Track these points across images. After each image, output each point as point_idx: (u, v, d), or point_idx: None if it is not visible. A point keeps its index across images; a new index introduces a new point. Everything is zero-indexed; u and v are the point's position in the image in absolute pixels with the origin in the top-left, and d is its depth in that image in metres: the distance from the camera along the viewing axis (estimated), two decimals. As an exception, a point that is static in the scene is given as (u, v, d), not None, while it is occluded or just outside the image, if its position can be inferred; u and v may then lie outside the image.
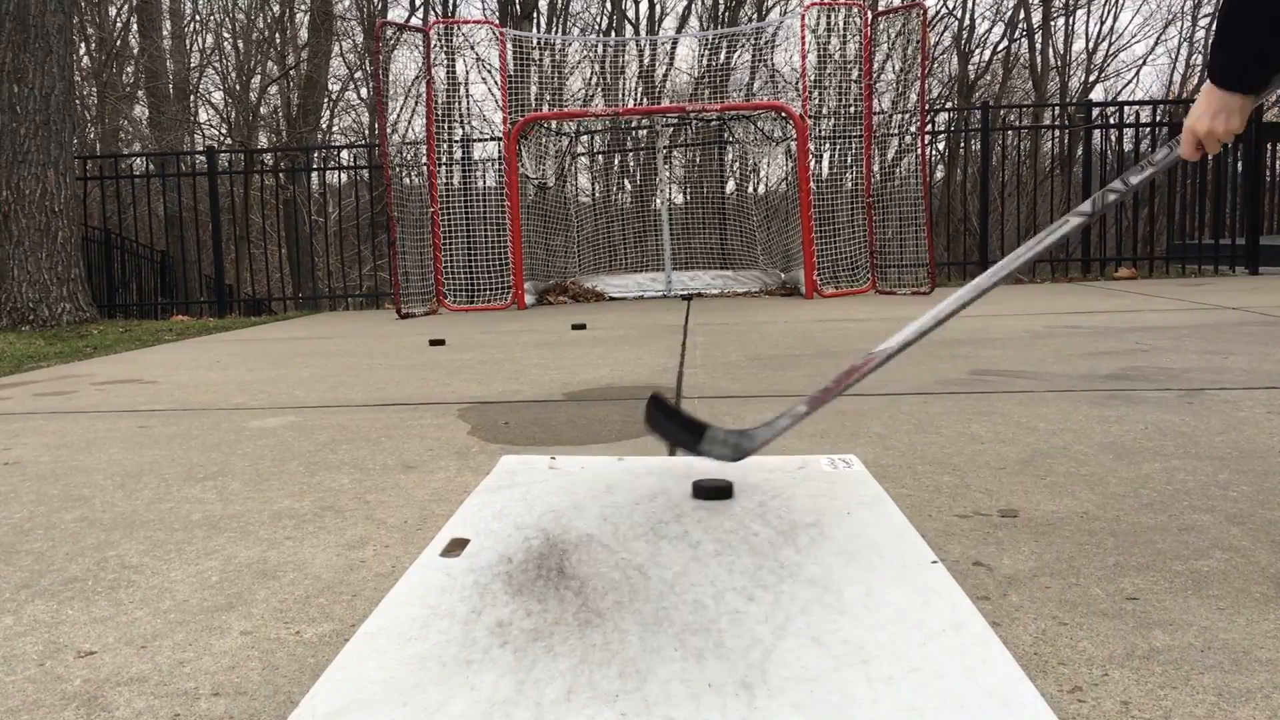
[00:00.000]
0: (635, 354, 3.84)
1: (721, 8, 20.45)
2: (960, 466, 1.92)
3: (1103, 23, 32.59)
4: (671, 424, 1.73)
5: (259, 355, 4.43)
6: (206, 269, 11.78)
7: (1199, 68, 23.80)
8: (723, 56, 8.19)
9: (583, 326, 5.01)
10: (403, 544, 1.57)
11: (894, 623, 1.13)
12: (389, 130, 9.07)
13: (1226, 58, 1.42)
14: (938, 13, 21.74)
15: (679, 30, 21.16)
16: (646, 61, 14.69)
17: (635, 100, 12.52)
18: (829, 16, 7.41)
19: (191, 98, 18.28)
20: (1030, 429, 2.22)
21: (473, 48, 7.39)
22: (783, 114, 6.97)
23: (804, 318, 5.16)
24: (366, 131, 18.68)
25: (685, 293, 7.34)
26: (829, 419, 2.41)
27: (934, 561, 1.32)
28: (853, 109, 6.94)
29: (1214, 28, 1.54)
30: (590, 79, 15.52)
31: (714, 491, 1.63)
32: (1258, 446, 1.99)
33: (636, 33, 20.73)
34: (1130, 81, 34.70)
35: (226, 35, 18.87)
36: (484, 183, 7.16)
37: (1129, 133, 8.42)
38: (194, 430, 2.59)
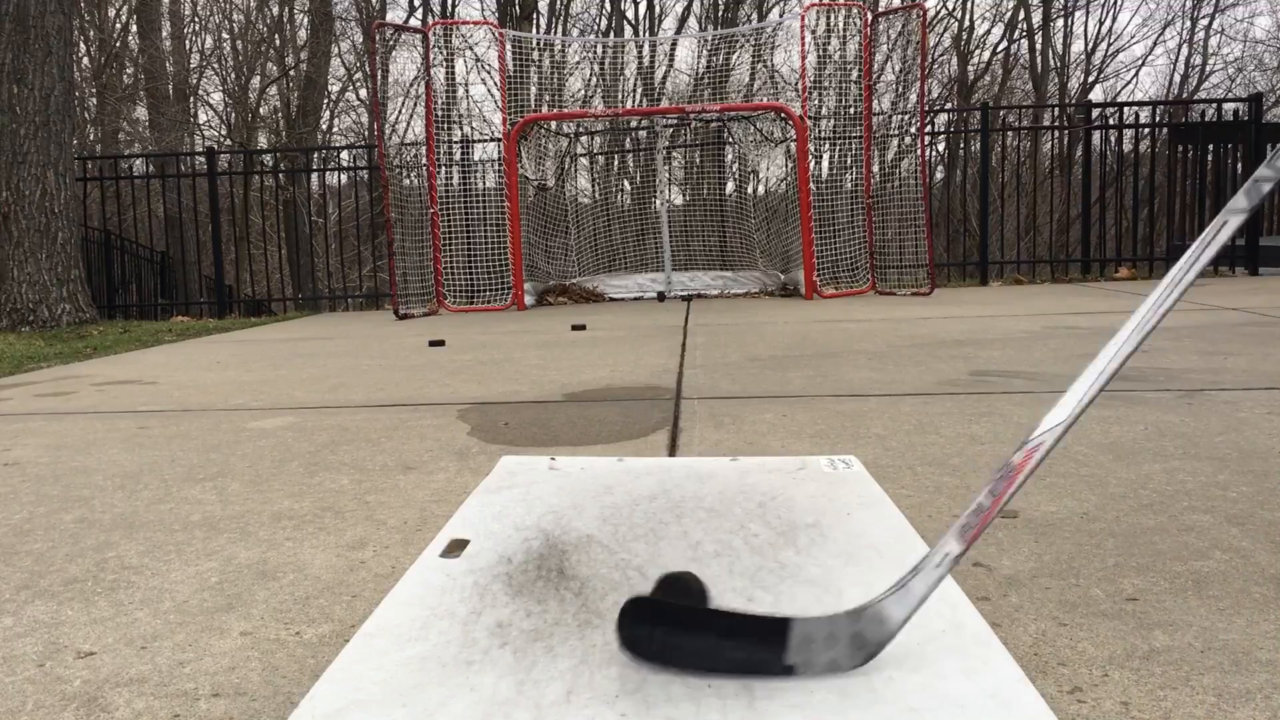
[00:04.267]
0: (635, 355, 3.84)
1: (721, 8, 20.46)
2: (960, 467, 1.92)
3: (1101, 24, 32.57)
4: (705, 636, 0.99)
5: (259, 356, 4.43)
6: (206, 270, 11.79)
7: (1198, 68, 23.81)
8: (722, 57, 8.20)
9: (582, 327, 5.01)
10: (402, 545, 1.57)
11: (894, 623, 1.12)
12: (388, 131, 9.05)
13: None
14: (937, 13, 21.76)
15: (678, 31, 21.17)
16: (646, 62, 14.69)
17: (635, 101, 12.53)
18: (829, 17, 7.41)
19: (191, 99, 18.28)
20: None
21: (472, 49, 7.38)
22: (782, 115, 6.97)
23: (804, 318, 5.16)
24: (366, 132, 18.69)
25: (685, 293, 7.33)
26: (829, 419, 2.41)
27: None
28: (852, 110, 6.94)
29: None
30: (590, 80, 15.53)
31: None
32: (1258, 447, 1.99)
33: (636, 33, 20.73)
34: (1129, 82, 34.70)
35: (226, 36, 18.88)
36: (484, 183, 7.17)
37: (1128, 133, 8.42)
38: (194, 431, 2.59)
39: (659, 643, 0.99)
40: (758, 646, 1.01)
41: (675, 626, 1.00)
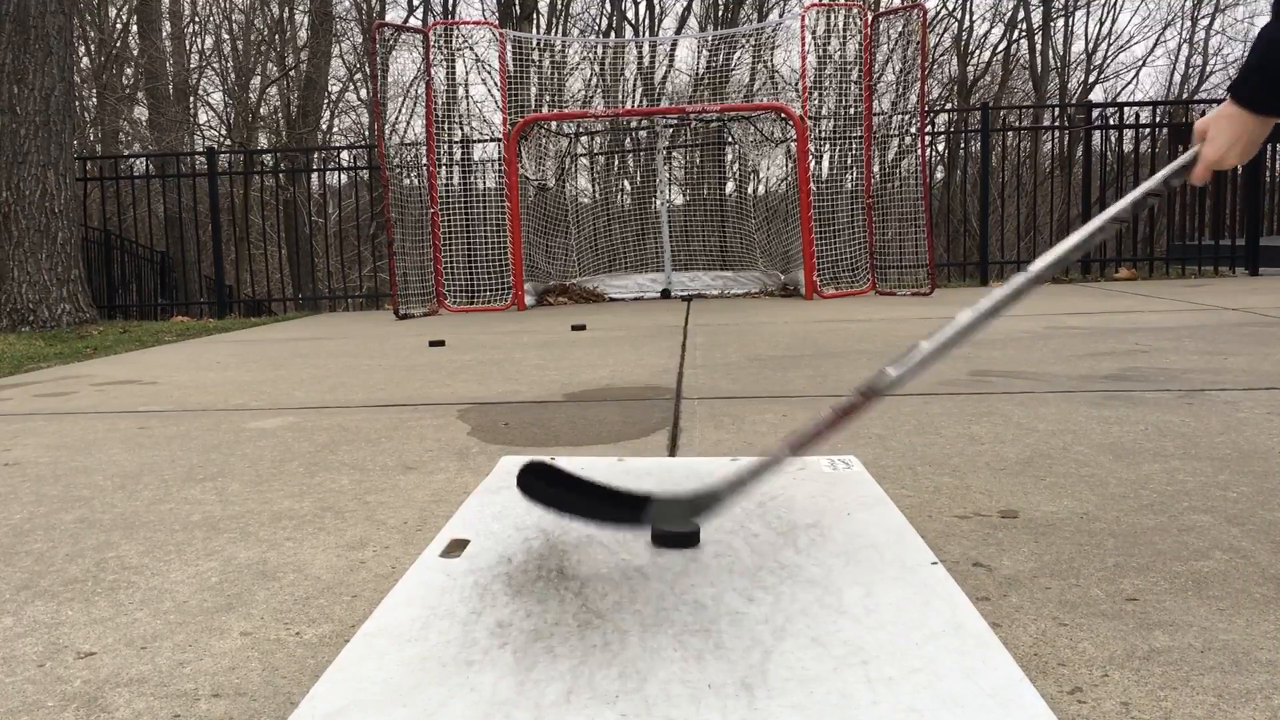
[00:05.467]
0: (635, 355, 3.84)
1: (721, 8, 20.47)
2: (960, 467, 1.92)
3: (1102, 23, 32.60)
4: (584, 499, 1.33)
5: (259, 356, 4.43)
6: (206, 270, 11.79)
7: (1198, 68, 23.80)
8: (722, 57, 8.20)
9: (582, 327, 5.01)
10: (403, 545, 1.57)
11: (894, 624, 1.13)
12: (388, 131, 9.06)
13: (1263, 80, 1.34)
14: (937, 14, 21.76)
15: (678, 31, 21.17)
16: (646, 62, 14.70)
17: (635, 101, 12.53)
18: (829, 17, 7.41)
19: (191, 99, 18.28)
20: (1030, 430, 2.22)
21: (472, 49, 7.39)
22: (783, 115, 6.97)
23: (804, 318, 5.16)
24: (366, 132, 18.69)
25: (685, 293, 7.33)
26: (829, 420, 2.41)
27: (934, 562, 1.32)
28: (853, 110, 6.94)
29: (1251, 51, 1.37)
30: (590, 80, 15.53)
31: (678, 539, 1.34)
32: (1257, 447, 1.99)
33: (636, 34, 20.74)
34: (1130, 82, 34.71)
35: (226, 36, 18.88)
36: (484, 184, 7.17)
37: (1129, 133, 8.42)
38: (194, 431, 2.59)
39: (560, 501, 1.33)
40: (627, 509, 1.34)
41: (570, 488, 1.32)
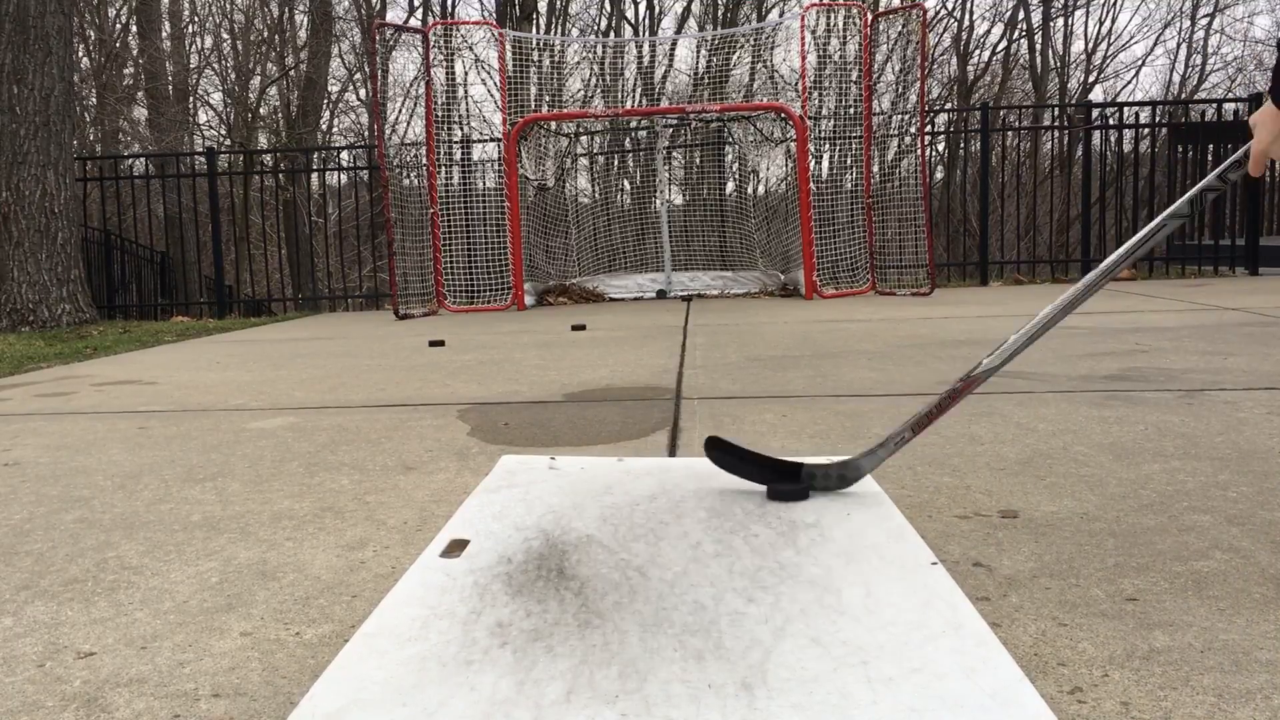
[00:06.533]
0: (635, 355, 3.84)
1: (721, 8, 20.47)
2: (960, 467, 1.92)
3: (1101, 23, 32.60)
4: (750, 465, 1.65)
5: (259, 356, 4.43)
6: (206, 270, 11.80)
7: (1197, 68, 23.81)
8: (722, 57, 8.20)
9: (582, 327, 5.01)
10: (403, 545, 1.57)
11: (894, 624, 1.13)
12: (388, 131, 9.06)
13: None
14: (937, 14, 21.77)
15: (678, 31, 21.17)
16: (646, 62, 14.69)
17: (635, 101, 12.52)
18: (829, 17, 7.41)
19: (191, 99, 18.28)
20: (1030, 430, 2.22)
21: (471, 49, 7.40)
22: (782, 115, 6.97)
23: (803, 318, 5.16)
24: (366, 133, 18.69)
25: (685, 293, 7.33)
26: (829, 419, 2.41)
27: (934, 562, 1.32)
28: (852, 110, 6.94)
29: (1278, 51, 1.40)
30: (590, 80, 15.53)
31: (791, 494, 1.61)
32: (1258, 447, 1.99)
33: (636, 33, 20.74)
34: (1129, 82, 34.72)
35: (226, 36, 18.89)
36: (484, 184, 7.17)
37: (1128, 133, 8.42)
38: (194, 431, 2.59)
39: (731, 465, 1.68)
40: (785, 476, 1.63)
41: (742, 457, 1.68)
